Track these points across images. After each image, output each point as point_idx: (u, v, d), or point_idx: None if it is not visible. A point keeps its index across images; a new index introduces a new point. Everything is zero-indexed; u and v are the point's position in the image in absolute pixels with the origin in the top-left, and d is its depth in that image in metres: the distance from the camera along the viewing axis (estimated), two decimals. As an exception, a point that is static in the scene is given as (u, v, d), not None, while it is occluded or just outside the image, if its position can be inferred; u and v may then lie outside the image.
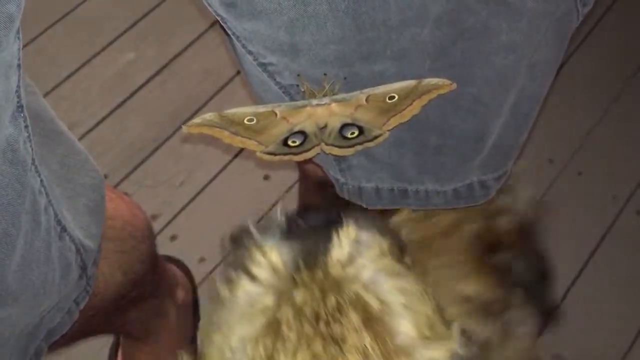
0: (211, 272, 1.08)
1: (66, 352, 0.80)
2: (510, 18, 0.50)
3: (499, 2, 0.49)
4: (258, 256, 0.49)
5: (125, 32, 1.28)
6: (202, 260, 1.09)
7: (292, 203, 1.05)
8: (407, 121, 0.56)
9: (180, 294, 0.95)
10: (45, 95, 1.21)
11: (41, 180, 0.47)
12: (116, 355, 0.96)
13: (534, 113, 0.59)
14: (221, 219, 1.12)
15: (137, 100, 1.22)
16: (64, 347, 0.68)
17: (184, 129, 0.51)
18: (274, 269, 0.48)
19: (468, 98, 0.55)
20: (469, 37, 0.50)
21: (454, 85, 0.52)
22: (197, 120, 0.51)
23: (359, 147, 0.56)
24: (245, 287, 0.47)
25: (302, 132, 0.54)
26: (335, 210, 0.53)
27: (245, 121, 0.52)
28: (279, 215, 0.54)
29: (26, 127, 0.44)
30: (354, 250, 0.49)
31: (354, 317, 0.44)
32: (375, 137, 0.56)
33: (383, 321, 0.45)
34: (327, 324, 0.45)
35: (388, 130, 0.55)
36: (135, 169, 1.16)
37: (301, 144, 0.55)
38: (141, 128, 1.20)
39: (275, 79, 0.53)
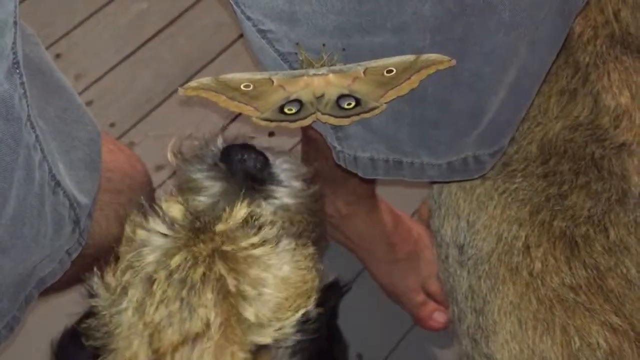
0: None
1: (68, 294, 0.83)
2: None
3: None
4: (163, 205, 0.55)
5: (138, -20, 1.27)
6: (204, 213, 1.11)
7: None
8: (405, 94, 0.56)
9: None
10: (57, 40, 1.21)
11: (36, 136, 0.47)
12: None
13: (534, 90, 0.59)
14: (225, 173, 1.14)
15: (147, 51, 1.22)
16: (59, 291, 0.71)
17: (180, 91, 0.51)
18: (171, 221, 0.54)
19: (467, 74, 0.55)
20: (471, 13, 0.50)
21: (454, 62, 0.52)
22: (193, 83, 0.51)
23: (356, 118, 0.57)
24: (142, 236, 0.54)
25: (298, 101, 0.54)
26: (264, 158, 0.58)
27: (242, 87, 0.52)
28: (218, 145, 0.59)
29: (22, 83, 0.45)
30: (239, 229, 0.54)
31: (209, 295, 0.51)
32: (372, 109, 0.56)
33: (232, 304, 0.52)
34: (190, 290, 0.51)
35: (385, 103, 0.56)
36: (142, 119, 1.17)
37: (297, 112, 0.55)
38: (150, 79, 1.20)
39: (274, 46, 0.53)
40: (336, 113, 0.56)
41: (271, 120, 0.56)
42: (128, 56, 1.21)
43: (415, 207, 1.13)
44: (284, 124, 0.57)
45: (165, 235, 0.53)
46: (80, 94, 1.17)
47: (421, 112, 0.58)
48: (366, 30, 0.50)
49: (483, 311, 0.63)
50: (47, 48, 1.18)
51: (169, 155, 0.61)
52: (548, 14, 0.52)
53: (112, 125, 1.16)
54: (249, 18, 0.51)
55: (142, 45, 1.22)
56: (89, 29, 1.23)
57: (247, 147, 0.60)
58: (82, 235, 0.56)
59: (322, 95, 0.54)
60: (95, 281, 0.54)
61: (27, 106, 0.46)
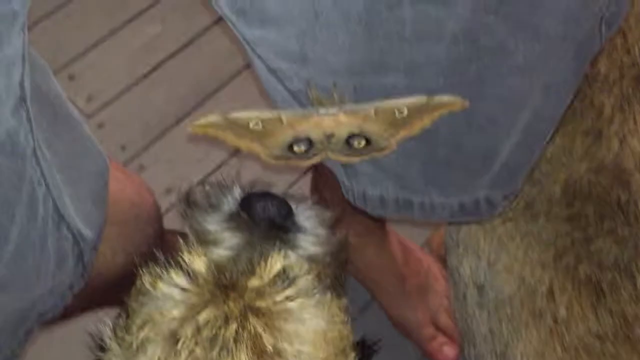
0: (220, 252, 1.09)
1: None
2: (529, 40, 0.49)
3: (520, 23, 0.48)
4: (185, 257, 0.50)
5: (153, 4, 1.27)
6: (212, 239, 1.10)
7: (304, 186, 1.05)
8: (418, 133, 0.55)
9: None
10: (71, 62, 1.22)
11: (41, 171, 0.47)
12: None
13: (548, 134, 0.58)
14: (235, 199, 1.13)
15: (161, 74, 1.22)
16: (64, 320, 0.70)
17: (189, 129, 0.50)
18: (194, 275, 0.49)
19: (480, 116, 0.54)
20: (484, 55, 0.49)
21: (467, 104, 0.51)
22: (201, 121, 0.51)
23: (366, 157, 0.56)
24: (163, 290, 0.49)
25: (308, 139, 0.54)
26: (287, 206, 0.54)
27: (251, 125, 0.52)
28: (235, 193, 0.55)
29: (28, 119, 0.45)
30: (271, 283, 0.50)
31: (243, 356, 0.46)
32: (383, 149, 0.55)
33: None
34: (221, 350, 0.46)
35: (396, 143, 0.55)
36: (153, 142, 1.17)
37: (307, 151, 0.55)
38: (163, 102, 1.20)
39: (284, 84, 0.52)
40: (346, 152, 0.55)
41: (280, 159, 0.55)
42: (141, 79, 1.21)
43: (425, 236, 1.11)
44: (293, 161, 0.56)
45: (187, 289, 0.49)
46: (91, 116, 1.18)
47: (433, 152, 0.57)
48: (377, 70, 0.50)
49: (505, 355, 0.61)
50: (60, 69, 1.20)
51: (179, 207, 0.57)
52: (563, 59, 0.51)
53: (123, 148, 1.16)
54: (259, 56, 0.50)
55: (155, 68, 1.22)
56: (103, 51, 1.23)
57: (268, 195, 0.56)
58: (85, 269, 0.56)
59: (332, 134, 0.54)
60: (108, 334, 0.50)
61: (33, 140, 0.46)
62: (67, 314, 0.58)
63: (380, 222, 0.97)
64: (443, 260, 1.04)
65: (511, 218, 0.63)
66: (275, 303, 0.49)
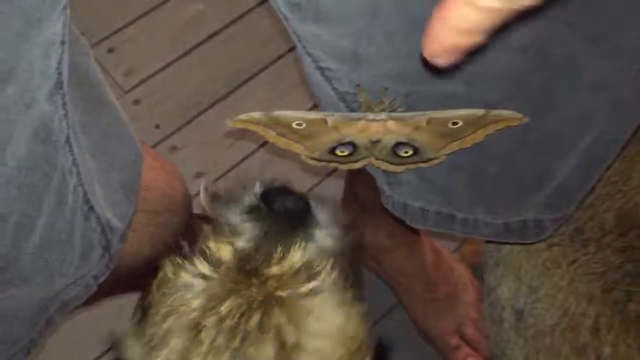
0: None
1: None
2: (602, 56, 0.45)
3: (595, 37, 0.44)
4: (211, 245, 0.50)
5: (198, -19, 1.25)
6: (240, 226, 1.08)
7: (337, 183, 1.02)
8: (469, 147, 0.52)
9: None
10: (111, 34, 1.20)
11: (74, 160, 0.45)
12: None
13: (610, 158, 0.54)
14: (265, 188, 1.11)
15: (200, 53, 1.19)
16: (84, 307, 0.68)
17: (228, 123, 0.48)
18: (217, 263, 0.49)
19: (538, 133, 0.50)
20: (553, 69, 0.46)
21: (526, 119, 0.47)
22: (243, 116, 0.48)
23: (411, 167, 0.53)
24: (185, 279, 0.49)
25: (351, 144, 0.51)
26: (305, 201, 0.55)
27: (294, 125, 0.49)
28: (256, 187, 0.56)
29: (64, 104, 0.42)
30: (293, 274, 0.49)
31: (267, 347, 0.45)
32: (430, 160, 0.52)
33: (289, 358, 0.46)
34: (243, 340, 0.46)
35: (445, 155, 0.52)
36: (187, 123, 1.15)
37: (349, 155, 0.52)
38: (200, 82, 1.18)
39: (332, 84, 0.49)
40: (391, 160, 0.52)
41: (320, 161, 0.52)
42: (180, 57, 1.19)
43: (457, 243, 1.08)
44: (333, 164, 0.53)
45: (210, 277, 0.48)
46: (129, 91, 1.16)
47: (482, 167, 0.53)
48: (433, 78, 0.46)
49: (539, 387, 0.58)
50: (100, 41, 1.18)
51: (202, 199, 0.57)
52: (636, 78, 0.47)
53: (157, 126, 1.14)
54: (309, 54, 0.47)
55: (195, 47, 1.20)
56: (144, 26, 1.21)
57: (287, 190, 0.57)
58: (111, 259, 0.54)
59: (378, 141, 0.50)
60: (128, 332, 0.50)
61: (67, 128, 0.43)
62: (88, 300, 0.56)
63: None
64: (474, 269, 1.01)
65: (558, 243, 0.59)
66: (297, 296, 0.49)
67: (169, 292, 0.49)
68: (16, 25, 0.35)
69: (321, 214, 0.56)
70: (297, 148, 0.51)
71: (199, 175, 1.11)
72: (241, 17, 1.22)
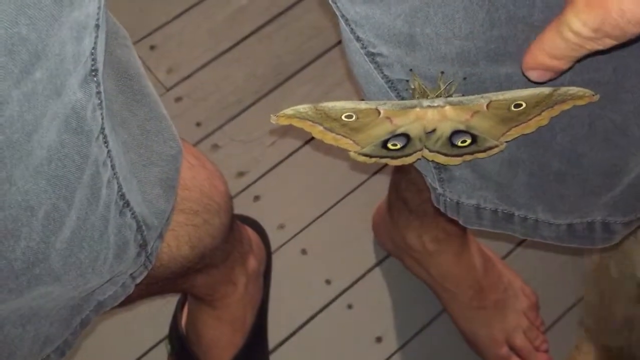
0: (288, 241, 1.04)
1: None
2: None
3: None
4: None
5: (241, -24, 1.23)
6: (281, 227, 1.05)
7: (383, 182, 0.98)
8: (528, 138, 0.48)
9: (253, 263, 0.91)
10: (153, 32, 1.18)
11: (108, 151, 0.42)
12: (182, 310, 0.95)
13: None
14: (308, 188, 1.08)
15: (242, 49, 1.17)
16: (120, 308, 0.66)
17: (273, 119, 0.45)
18: None
19: (608, 125, 0.46)
20: (629, 53, 0.41)
21: (597, 97, 0.43)
22: (288, 111, 0.45)
23: (468, 158, 0.49)
24: None
25: (405, 135, 0.47)
26: None
27: (343, 117, 0.46)
28: None
29: (98, 93, 0.40)
30: None
31: None
32: (489, 148, 0.48)
33: None
34: None
35: (506, 142, 0.48)
36: (229, 121, 1.12)
37: (402, 148, 0.48)
38: (242, 79, 1.15)
39: (382, 72, 0.46)
40: (447, 151, 0.48)
41: (371, 156, 0.49)
42: (222, 53, 1.17)
43: (508, 249, 1.03)
44: (384, 160, 0.50)
45: None
46: (170, 88, 1.14)
47: (544, 162, 0.49)
48: (494, 59, 0.43)
49: None
50: (142, 39, 1.17)
51: None
52: None
53: (198, 124, 1.12)
54: (358, 38, 0.44)
55: (238, 43, 1.18)
56: (186, 22, 1.19)
57: None
58: (149, 258, 0.51)
59: (433, 130, 0.47)
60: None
61: (102, 118, 0.41)
62: (125, 301, 0.54)
63: (462, 229, 0.89)
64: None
65: None
66: None
67: None
68: (45, 3, 0.33)
69: None
70: (345, 143, 0.48)
71: (240, 174, 1.09)
72: (284, 12, 1.20)
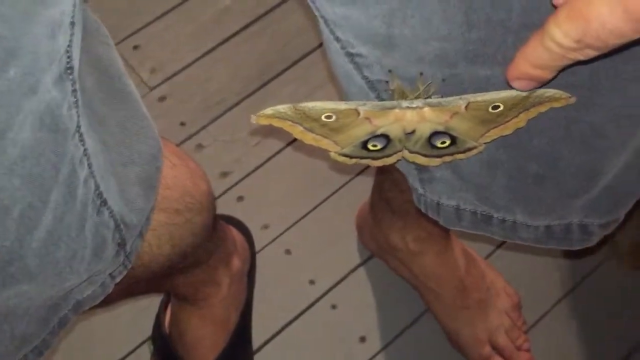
0: (272, 242, 1.04)
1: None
2: None
3: None
4: None
5: (225, -24, 1.23)
6: (265, 227, 1.05)
7: (366, 183, 0.98)
8: (507, 140, 0.48)
9: (236, 263, 0.91)
10: (136, 31, 1.18)
11: (85, 149, 0.42)
12: (165, 310, 0.95)
13: None
14: (292, 188, 1.08)
15: (226, 49, 1.17)
16: (105, 307, 0.66)
17: (253, 119, 0.45)
18: None
19: (585, 128, 0.46)
20: (606, 56, 0.42)
21: (573, 99, 0.44)
22: (268, 111, 0.45)
23: (448, 159, 0.49)
24: None
25: (385, 136, 0.47)
26: None
27: (323, 118, 0.46)
28: None
29: (74, 91, 0.40)
30: None
31: None
32: (469, 150, 0.48)
33: None
34: None
35: (485, 143, 0.48)
36: (213, 121, 1.12)
37: (382, 149, 0.48)
38: (226, 79, 1.15)
39: (362, 72, 0.46)
40: (427, 152, 0.48)
41: (351, 157, 0.49)
42: (206, 53, 1.17)
43: (490, 249, 1.04)
44: (365, 161, 0.50)
45: None
46: (154, 88, 1.14)
47: (522, 164, 0.50)
48: (473, 61, 0.43)
49: None
50: (125, 38, 1.17)
51: None
52: None
53: (182, 124, 1.12)
54: (338, 39, 0.44)
55: (222, 43, 1.18)
56: (170, 22, 1.19)
57: None
58: (128, 257, 0.51)
59: (413, 131, 0.47)
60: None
61: (77, 116, 0.41)
62: (106, 301, 0.54)
63: (444, 229, 0.90)
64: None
65: None
66: None
67: None
68: (19, 0, 0.33)
69: None
70: (326, 144, 0.48)
71: (223, 175, 1.08)
72: (268, 12, 1.20)
